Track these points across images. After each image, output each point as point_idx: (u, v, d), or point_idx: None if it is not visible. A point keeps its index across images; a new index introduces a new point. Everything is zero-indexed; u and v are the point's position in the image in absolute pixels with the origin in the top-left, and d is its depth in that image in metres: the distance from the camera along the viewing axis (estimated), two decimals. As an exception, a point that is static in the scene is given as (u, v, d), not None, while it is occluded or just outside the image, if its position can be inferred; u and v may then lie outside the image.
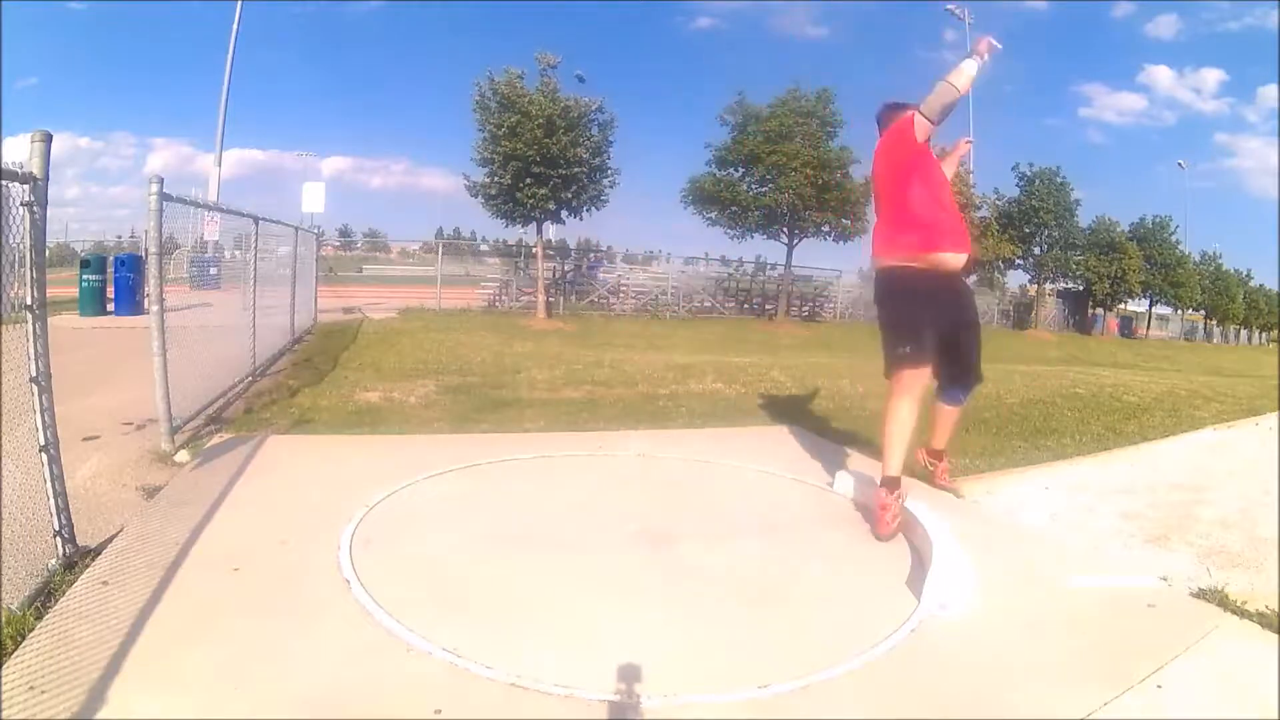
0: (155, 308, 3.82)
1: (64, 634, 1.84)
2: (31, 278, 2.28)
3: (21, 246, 2.27)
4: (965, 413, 3.46)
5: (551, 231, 19.35)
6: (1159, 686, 1.81)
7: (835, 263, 24.39)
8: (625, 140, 21.12)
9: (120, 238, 32.11)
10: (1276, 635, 2.08)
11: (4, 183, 2.14)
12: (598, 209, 15.84)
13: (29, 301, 2.29)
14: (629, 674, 1.79)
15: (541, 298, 16.18)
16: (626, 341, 13.03)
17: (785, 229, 19.18)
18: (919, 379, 2.93)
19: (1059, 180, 24.77)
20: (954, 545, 2.43)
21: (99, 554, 2.38)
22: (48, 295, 2.37)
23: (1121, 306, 32.76)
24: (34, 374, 2.30)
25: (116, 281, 11.04)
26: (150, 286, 3.91)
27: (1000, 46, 2.89)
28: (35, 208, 2.27)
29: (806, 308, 23.00)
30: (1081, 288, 28.48)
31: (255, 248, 6.20)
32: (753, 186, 18.87)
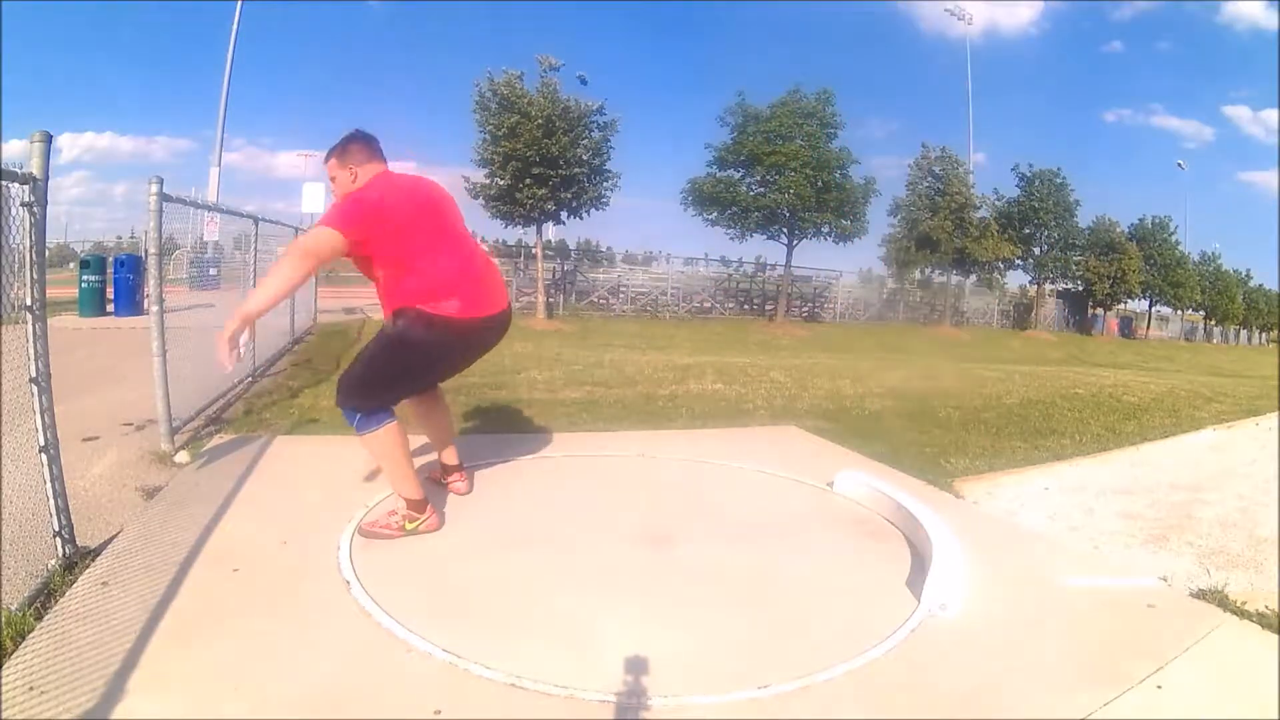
0: (155, 308, 3.81)
1: (64, 635, 1.84)
2: (31, 278, 2.28)
3: (22, 247, 2.27)
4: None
5: (551, 232, 19.41)
6: (1159, 687, 1.81)
7: (835, 263, 24.46)
8: (626, 140, 21.13)
9: (120, 238, 32.13)
10: (1276, 635, 2.08)
11: (4, 183, 2.14)
12: (598, 210, 15.89)
13: (29, 302, 2.28)
14: (629, 674, 1.79)
15: (541, 298, 16.19)
16: (626, 342, 13.03)
17: (785, 229, 19.20)
18: None
19: (1059, 181, 24.80)
20: (954, 545, 2.43)
21: (99, 554, 2.38)
22: (48, 295, 2.37)
23: (1121, 307, 32.77)
24: (34, 374, 2.30)
25: (116, 282, 11.02)
26: (150, 287, 3.91)
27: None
28: (35, 208, 2.27)
29: (806, 308, 23.04)
30: (1081, 288, 28.50)
31: (255, 248, 6.20)
32: (752, 187, 18.90)
